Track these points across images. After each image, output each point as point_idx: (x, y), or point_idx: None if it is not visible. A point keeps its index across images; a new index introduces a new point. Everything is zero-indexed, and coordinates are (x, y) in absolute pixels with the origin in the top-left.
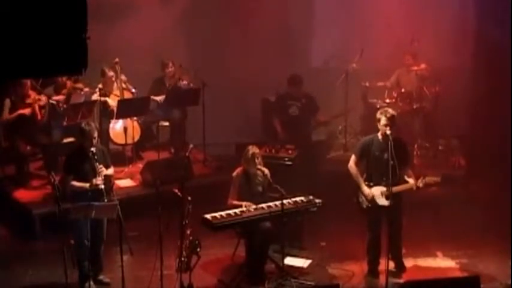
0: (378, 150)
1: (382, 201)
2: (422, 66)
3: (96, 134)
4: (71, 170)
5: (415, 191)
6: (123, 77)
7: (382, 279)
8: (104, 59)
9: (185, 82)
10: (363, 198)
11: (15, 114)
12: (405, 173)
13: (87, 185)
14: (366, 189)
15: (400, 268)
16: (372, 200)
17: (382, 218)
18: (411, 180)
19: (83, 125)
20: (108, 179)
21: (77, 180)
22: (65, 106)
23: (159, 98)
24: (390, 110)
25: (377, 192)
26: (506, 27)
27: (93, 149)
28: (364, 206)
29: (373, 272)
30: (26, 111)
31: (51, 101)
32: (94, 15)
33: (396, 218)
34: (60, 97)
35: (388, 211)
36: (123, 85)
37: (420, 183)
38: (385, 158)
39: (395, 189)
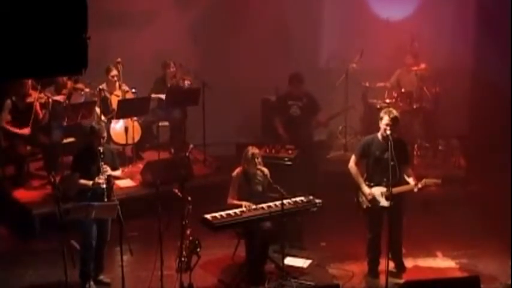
0: (378, 150)
1: (382, 202)
2: (422, 66)
3: (105, 134)
4: (78, 168)
5: (415, 191)
6: (124, 87)
7: (382, 279)
8: (108, 60)
9: (188, 82)
10: (363, 198)
11: (14, 130)
12: (405, 173)
13: (90, 182)
14: (366, 190)
15: (400, 268)
16: (372, 201)
17: (382, 218)
18: (411, 181)
19: (93, 123)
20: (110, 179)
21: (83, 179)
22: (67, 102)
23: (163, 96)
24: (394, 111)
25: (377, 193)
26: (506, 27)
27: (101, 148)
28: (364, 206)
29: (373, 272)
30: (25, 130)
31: (53, 99)
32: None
33: (396, 218)
34: (61, 97)
35: (388, 211)
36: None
37: (420, 185)
38: (385, 158)
39: (395, 190)
